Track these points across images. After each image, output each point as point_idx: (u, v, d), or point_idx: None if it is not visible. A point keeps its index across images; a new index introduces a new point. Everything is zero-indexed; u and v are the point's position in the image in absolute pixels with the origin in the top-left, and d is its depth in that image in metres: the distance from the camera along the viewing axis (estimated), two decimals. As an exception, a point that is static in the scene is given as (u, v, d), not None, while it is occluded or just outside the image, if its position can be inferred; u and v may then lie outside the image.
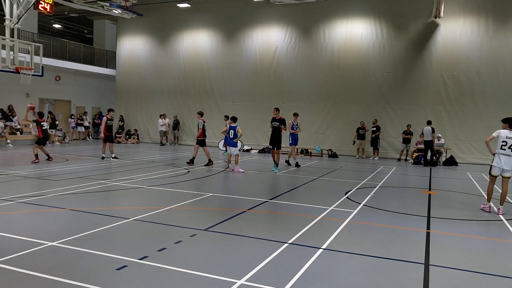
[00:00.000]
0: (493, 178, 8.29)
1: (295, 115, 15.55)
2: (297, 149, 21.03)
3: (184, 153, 19.01)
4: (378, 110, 20.42)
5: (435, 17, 18.91)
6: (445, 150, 18.40)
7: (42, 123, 14.05)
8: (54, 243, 5.23)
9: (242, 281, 4.26)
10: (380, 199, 9.21)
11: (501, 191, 8.18)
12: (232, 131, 12.85)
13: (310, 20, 21.58)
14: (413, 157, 18.30)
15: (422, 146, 18.10)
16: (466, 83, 18.97)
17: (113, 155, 15.21)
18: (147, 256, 4.86)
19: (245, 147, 21.31)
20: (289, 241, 5.65)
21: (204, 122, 14.74)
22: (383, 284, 4.39)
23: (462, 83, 19.05)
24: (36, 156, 13.62)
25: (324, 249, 5.41)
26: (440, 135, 18.38)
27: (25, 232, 5.67)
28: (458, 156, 18.48)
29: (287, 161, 15.69)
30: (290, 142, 15.49)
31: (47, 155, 14.04)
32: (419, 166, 17.26)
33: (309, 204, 8.35)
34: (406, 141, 19.12)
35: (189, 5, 23.41)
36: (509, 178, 8.09)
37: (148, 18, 24.39)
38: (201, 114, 14.89)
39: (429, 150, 17.36)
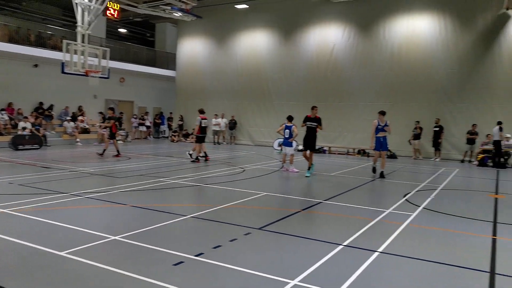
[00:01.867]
0: None
1: (382, 113, 12.38)
2: (354, 149, 20.66)
3: (240, 152, 19.31)
4: (441, 109, 19.44)
5: (507, 9, 17.62)
6: (516, 152, 17.12)
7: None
8: (116, 237, 5.55)
9: (296, 281, 4.26)
10: (441, 202, 8.79)
11: None
12: (287, 130, 12.84)
13: (369, 17, 21.01)
14: (478, 159, 17.22)
15: (488, 147, 17.01)
16: (542, 79, 17.52)
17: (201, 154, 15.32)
18: (203, 253, 5.01)
19: (300, 147, 21.19)
20: (344, 243, 5.57)
21: (203, 119, 14.70)
22: (442, 292, 4.21)
23: (536, 79, 17.62)
24: (118, 151, 15.19)
25: (380, 252, 5.27)
26: (509, 135, 17.14)
27: (91, 226, 6.06)
28: (531, 158, 17.11)
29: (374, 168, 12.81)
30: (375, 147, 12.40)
31: (117, 151, 15.15)
32: (485, 168, 16.22)
33: (366, 206, 8.17)
34: (471, 141, 18.03)
35: (247, 6, 23.69)
36: None
37: (207, 20, 25.02)
38: (200, 111, 14.89)
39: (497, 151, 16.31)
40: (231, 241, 5.56)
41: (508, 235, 6.36)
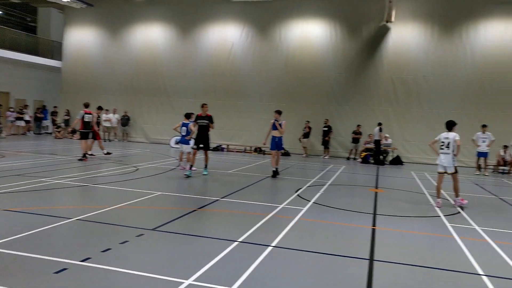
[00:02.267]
0: (440, 175, 9.14)
1: (278, 112, 12.36)
2: (251, 147, 21.15)
3: (133, 150, 18.49)
4: (330, 111, 20.90)
5: (387, 22, 19.60)
6: (392, 150, 19.18)
7: None
8: (-15, 245, 4.86)
9: (190, 281, 4.17)
10: (329, 196, 9.41)
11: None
12: (184, 128, 12.58)
13: (266, 19, 21.67)
14: (362, 156, 18.91)
15: (370, 145, 18.80)
16: (414, 86, 19.86)
17: (105, 151, 14.88)
18: (90, 258, 4.64)
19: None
20: (239, 240, 5.62)
21: (87, 113, 14.04)
22: (329, 280, 4.46)
23: (410, 86, 19.91)
24: None
25: (273, 246, 5.42)
26: (387, 135, 19.13)
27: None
28: (403, 156, 19.30)
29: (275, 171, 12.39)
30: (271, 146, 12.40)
31: None
32: (367, 164, 17.86)
33: (260, 202, 8.37)
34: (356, 140, 19.74)
35: (143, -3, 22.76)
36: (453, 173, 8.89)
37: (99, 8, 23.45)
38: (85, 105, 14.29)
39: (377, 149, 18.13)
40: (122, 243, 5.24)
41: (385, 225, 7.02)
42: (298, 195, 9.31)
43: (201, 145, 11.83)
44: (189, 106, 21.59)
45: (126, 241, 5.33)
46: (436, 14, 19.53)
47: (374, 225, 6.95)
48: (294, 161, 17.67)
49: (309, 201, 8.65)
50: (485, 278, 4.67)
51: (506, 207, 9.53)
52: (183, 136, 12.65)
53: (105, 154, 14.80)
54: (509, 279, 4.73)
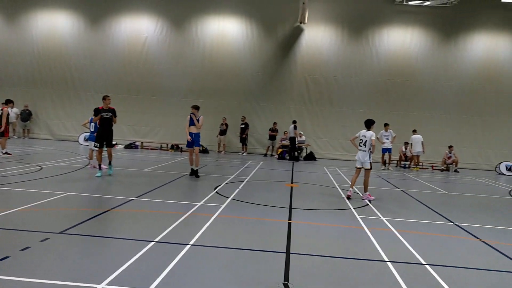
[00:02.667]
0: (357, 170, 9.70)
1: (195, 107, 11.86)
2: (167, 144, 20.61)
3: (36, 148, 17.01)
4: (247, 108, 21.16)
5: (300, 23, 20.35)
6: (306, 147, 20.02)
7: None
8: None
9: (103, 285, 3.92)
10: (248, 192, 9.50)
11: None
12: (93, 124, 11.85)
13: (182, 13, 21.25)
14: (278, 153, 19.46)
15: (285, 142, 19.42)
16: (325, 86, 20.89)
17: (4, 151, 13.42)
18: (-17, 268, 4.14)
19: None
20: (156, 239, 5.42)
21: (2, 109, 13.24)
22: (247, 275, 4.48)
23: (322, 85, 20.91)
24: None
25: (191, 245, 5.31)
26: (301, 133, 19.91)
27: None
28: (316, 152, 20.26)
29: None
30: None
31: None
32: (283, 160, 18.42)
33: (178, 201, 8.18)
34: (272, 137, 20.25)
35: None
36: (368, 169, 9.48)
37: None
38: (5, 102, 13.33)
39: (293, 146, 18.80)
40: (23, 250, 4.75)
41: (300, 218, 7.27)
42: (216, 192, 9.27)
43: (105, 142, 10.78)
44: (100, 101, 20.40)
45: (28, 247, 4.84)
46: (345, 18, 20.73)
47: (290, 219, 7.15)
48: (213, 158, 17.60)
49: (228, 197, 8.65)
50: (389, 264, 5.04)
51: (407, 198, 10.43)
52: (92, 132, 11.90)
53: (3, 154, 13.39)
54: (410, 263, 5.16)
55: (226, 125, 20.25)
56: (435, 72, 20.53)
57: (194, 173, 11.66)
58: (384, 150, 17.50)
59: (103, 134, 10.78)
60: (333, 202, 9.09)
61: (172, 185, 10.06)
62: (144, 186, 9.64)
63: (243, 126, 20.25)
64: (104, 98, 11.00)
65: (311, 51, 20.91)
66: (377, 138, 17.11)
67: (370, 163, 9.46)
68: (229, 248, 5.33)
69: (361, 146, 9.54)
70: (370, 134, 9.41)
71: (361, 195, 9.74)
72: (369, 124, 9.57)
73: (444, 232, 7.04)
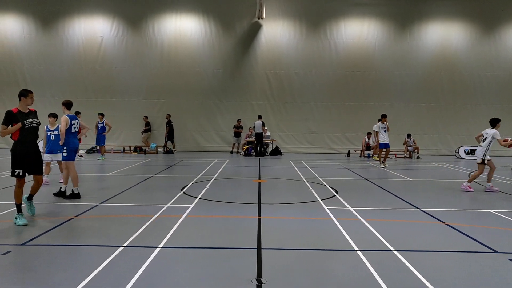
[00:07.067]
0: (479, 166, 10.09)
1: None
2: (130, 147, 20.16)
3: (-8, 158, 16.21)
4: (210, 106, 21.03)
5: (258, 18, 20.39)
6: (271, 142, 20.14)
7: None
8: None
9: (70, 296, 3.77)
10: (215, 191, 9.45)
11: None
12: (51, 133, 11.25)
13: (138, 13, 20.82)
14: (244, 149, 19.47)
15: (251, 138, 19.45)
16: (286, 80, 21.07)
17: None
18: None
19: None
20: (124, 244, 5.28)
21: None
22: (220, 273, 4.45)
23: (283, 80, 21.07)
24: None
25: (161, 247, 5.22)
26: (266, 128, 20.00)
27: None
28: (282, 147, 20.43)
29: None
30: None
31: None
32: (250, 157, 18.45)
33: (145, 204, 8.01)
34: (237, 134, 20.23)
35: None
36: (477, 163, 10.07)
37: None
38: None
39: (259, 142, 18.84)
40: (-19, 265, 4.51)
41: (270, 213, 7.31)
42: (184, 192, 9.16)
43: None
44: (56, 104, 19.64)
45: (-13, 262, 4.60)
46: (303, 12, 20.97)
47: (259, 214, 7.17)
48: (178, 158, 17.37)
49: (196, 197, 8.57)
50: (359, 253, 5.15)
51: (372, 187, 10.70)
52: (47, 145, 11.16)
53: None
54: (379, 251, 5.30)
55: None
56: (393, 62, 21.15)
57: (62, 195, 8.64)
58: (382, 145, 15.36)
59: (29, 153, 6.55)
60: (300, 195, 9.19)
61: (138, 188, 9.85)
62: (109, 190, 9.38)
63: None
64: (25, 94, 7.06)
65: (271, 47, 21.02)
66: (375, 132, 15.65)
67: (482, 159, 9.83)
68: (200, 248, 5.28)
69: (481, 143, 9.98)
70: (493, 132, 9.81)
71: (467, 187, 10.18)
72: (494, 122, 9.96)
73: (410, 218, 7.27)
